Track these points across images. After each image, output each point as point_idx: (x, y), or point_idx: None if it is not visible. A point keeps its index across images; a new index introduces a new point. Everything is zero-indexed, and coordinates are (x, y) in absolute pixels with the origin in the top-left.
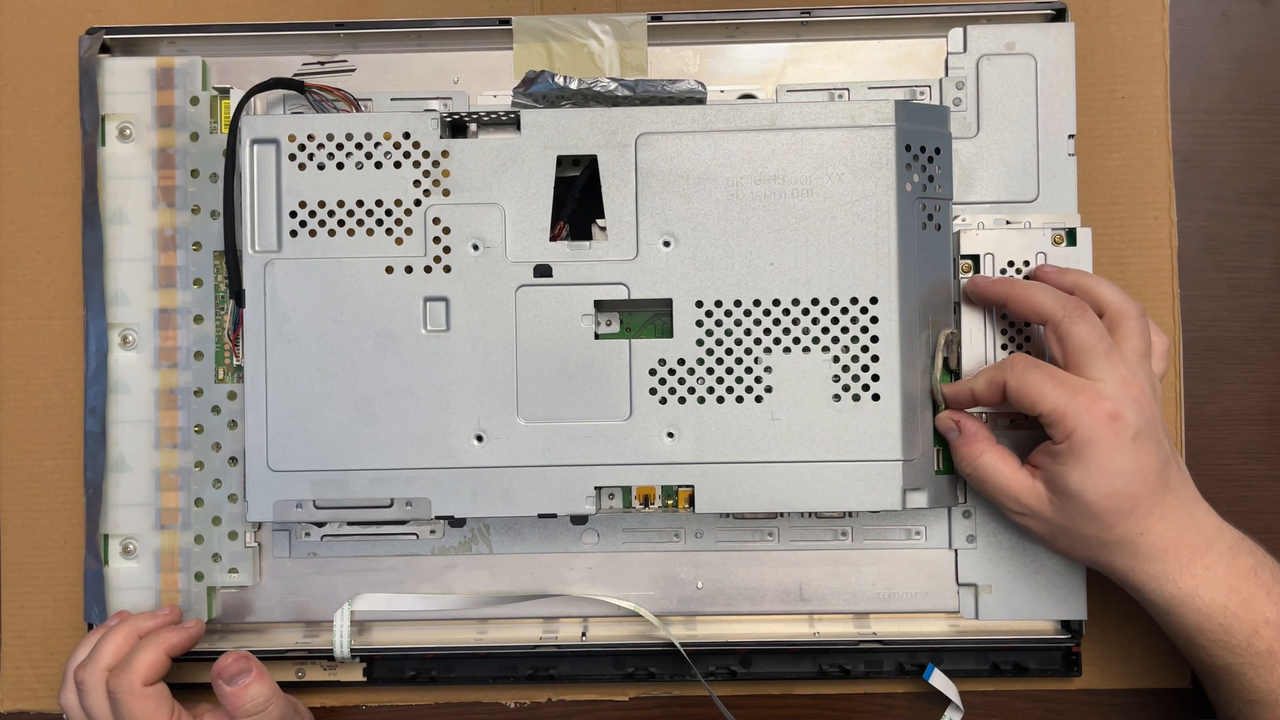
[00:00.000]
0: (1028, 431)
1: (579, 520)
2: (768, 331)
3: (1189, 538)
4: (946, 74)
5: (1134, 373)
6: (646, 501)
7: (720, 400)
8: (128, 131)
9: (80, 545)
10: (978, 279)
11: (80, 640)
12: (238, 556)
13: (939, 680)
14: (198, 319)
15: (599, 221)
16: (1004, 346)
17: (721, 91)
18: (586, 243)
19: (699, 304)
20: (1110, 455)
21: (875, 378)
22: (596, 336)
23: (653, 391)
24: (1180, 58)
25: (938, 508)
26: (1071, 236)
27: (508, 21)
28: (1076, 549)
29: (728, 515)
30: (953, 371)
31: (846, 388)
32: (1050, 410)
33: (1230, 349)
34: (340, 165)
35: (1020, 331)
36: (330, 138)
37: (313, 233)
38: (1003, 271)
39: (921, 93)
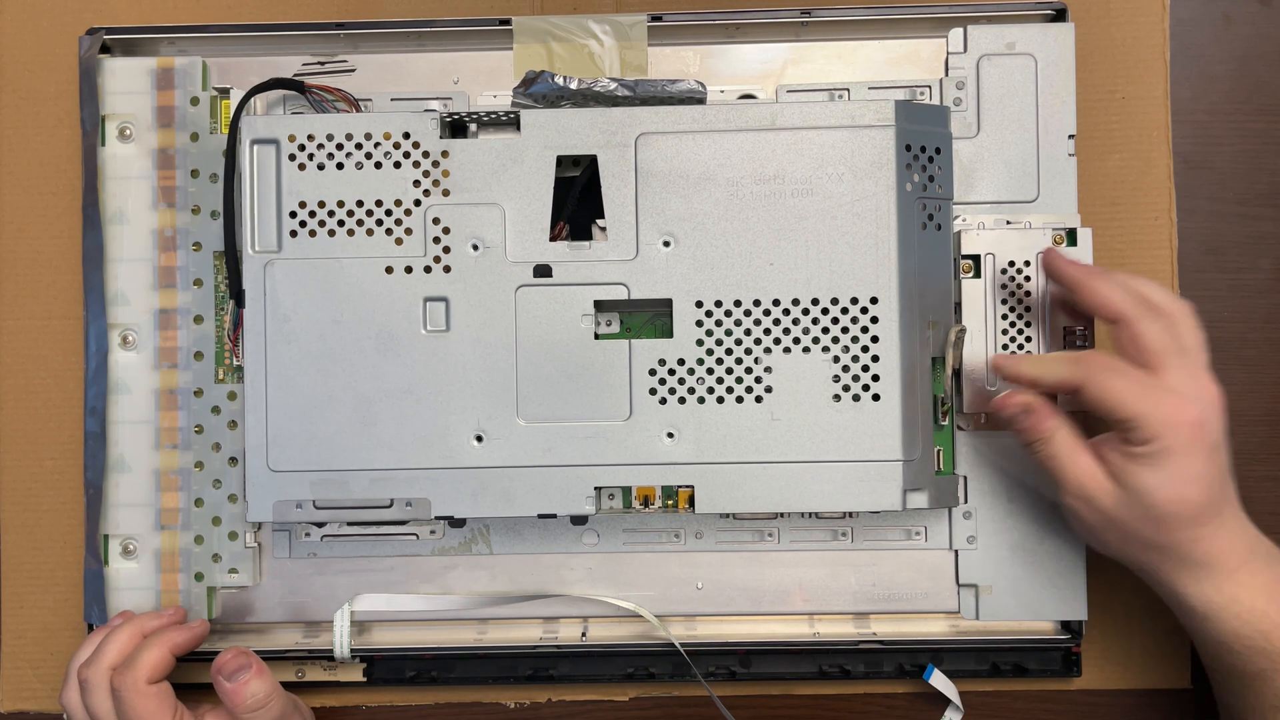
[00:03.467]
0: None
1: (579, 520)
2: (768, 331)
3: (1237, 545)
4: (947, 74)
5: (1206, 376)
6: (646, 502)
7: (720, 400)
8: (128, 132)
9: (80, 545)
10: (1056, 254)
11: (80, 640)
12: (238, 556)
13: (939, 680)
14: (198, 319)
15: (599, 221)
16: (1004, 346)
17: (721, 91)
18: (586, 243)
19: (699, 304)
20: (1190, 463)
21: (875, 378)
22: (596, 336)
23: (653, 392)
24: (1180, 58)
25: (938, 508)
26: (1072, 237)
27: (508, 21)
28: (1124, 546)
29: (728, 515)
30: (955, 371)
31: (846, 388)
32: (1133, 416)
33: (1231, 350)
34: (340, 165)
35: (1021, 332)
36: (330, 138)
37: (313, 233)
38: (1003, 271)
39: (921, 93)
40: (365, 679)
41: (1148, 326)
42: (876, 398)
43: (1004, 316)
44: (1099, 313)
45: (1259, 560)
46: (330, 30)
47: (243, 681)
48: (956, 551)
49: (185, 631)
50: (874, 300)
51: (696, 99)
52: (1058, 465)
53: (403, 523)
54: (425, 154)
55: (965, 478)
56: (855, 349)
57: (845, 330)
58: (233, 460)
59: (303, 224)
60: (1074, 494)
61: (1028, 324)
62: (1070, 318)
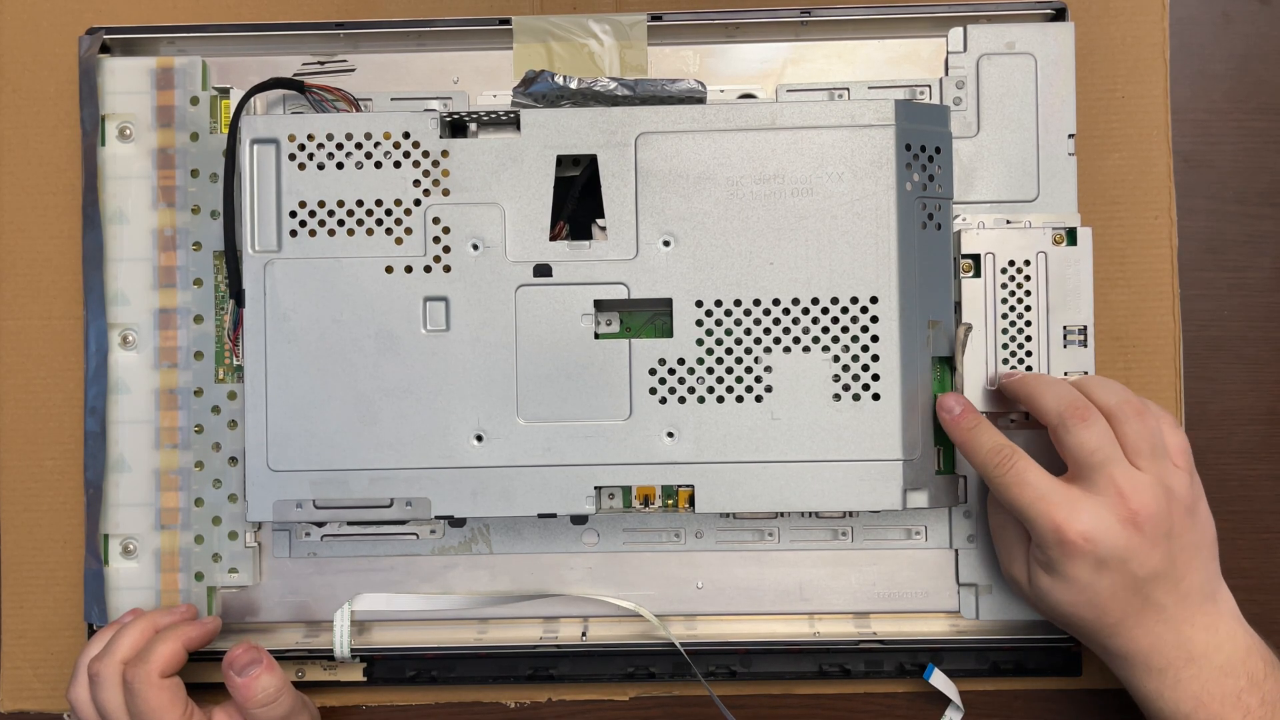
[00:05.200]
0: (1035, 431)
1: (579, 520)
2: (768, 331)
3: (1165, 649)
4: (946, 73)
5: (1133, 486)
6: (646, 501)
7: (720, 400)
8: (128, 131)
9: (80, 545)
10: (1005, 375)
11: (81, 640)
12: (238, 556)
13: (939, 680)
14: (198, 319)
15: (599, 221)
16: (1004, 346)
17: (721, 91)
18: (586, 242)
19: (699, 304)
20: (1075, 575)
21: (875, 377)
22: (596, 336)
23: (653, 391)
24: (1180, 57)
25: (938, 507)
26: (1072, 236)
27: (508, 21)
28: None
29: (728, 515)
30: (954, 370)
31: (846, 387)
32: (1028, 520)
33: (1230, 349)
34: (340, 165)
35: (1021, 331)
36: (330, 138)
37: (313, 233)
38: (1003, 271)
39: (921, 92)
40: (365, 679)
41: (1067, 434)
42: (876, 397)
43: (1004, 316)
44: (1038, 418)
45: (1198, 667)
46: (330, 30)
47: (254, 676)
48: (956, 551)
49: (198, 627)
50: (874, 300)
51: (696, 99)
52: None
53: (403, 522)
54: (425, 154)
55: (965, 477)
56: (855, 348)
57: (845, 330)
58: (233, 460)
59: (303, 224)
60: (1004, 564)
61: (1028, 323)
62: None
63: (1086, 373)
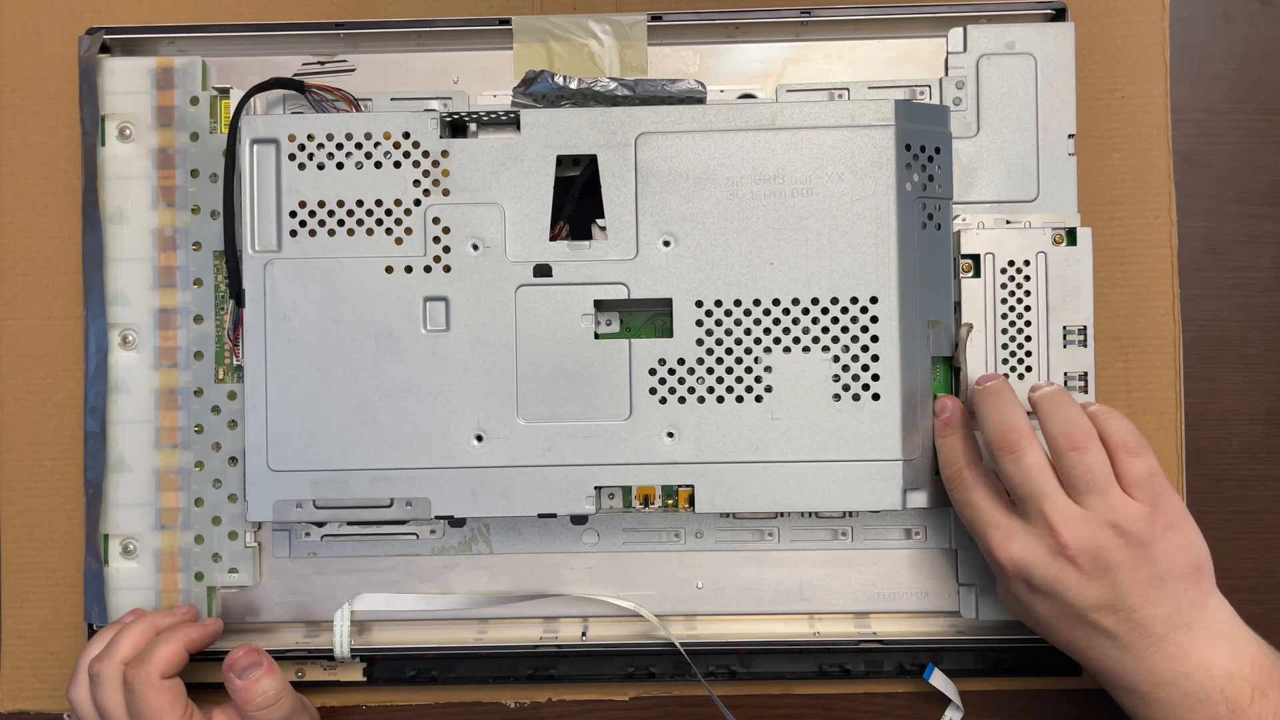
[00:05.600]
0: None
1: (579, 520)
2: (768, 331)
3: (1126, 674)
4: (946, 74)
5: (1064, 519)
6: (646, 501)
7: (720, 400)
8: (128, 131)
9: (80, 545)
10: (977, 382)
11: (80, 640)
12: (238, 556)
13: (939, 680)
14: (198, 319)
15: (599, 221)
16: (1004, 346)
17: (721, 91)
18: (586, 242)
19: (699, 304)
20: (1016, 594)
21: (875, 377)
22: (596, 336)
23: (653, 391)
24: (1180, 57)
25: (938, 507)
26: (1071, 236)
27: (508, 21)
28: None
29: (728, 515)
30: (956, 369)
31: (846, 387)
32: (974, 538)
33: (1230, 349)
34: (340, 165)
35: (1021, 331)
36: (330, 138)
37: (313, 233)
38: (1002, 271)
39: (921, 92)
40: (365, 679)
41: (1000, 465)
42: (876, 397)
43: (1004, 316)
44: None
45: (1166, 691)
46: (330, 30)
47: (253, 679)
48: (956, 551)
49: (199, 628)
50: (874, 300)
51: (696, 99)
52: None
53: (403, 522)
54: (425, 154)
55: None
56: (855, 349)
57: (845, 330)
58: (233, 460)
59: (303, 224)
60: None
61: (1027, 323)
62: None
63: (1086, 374)
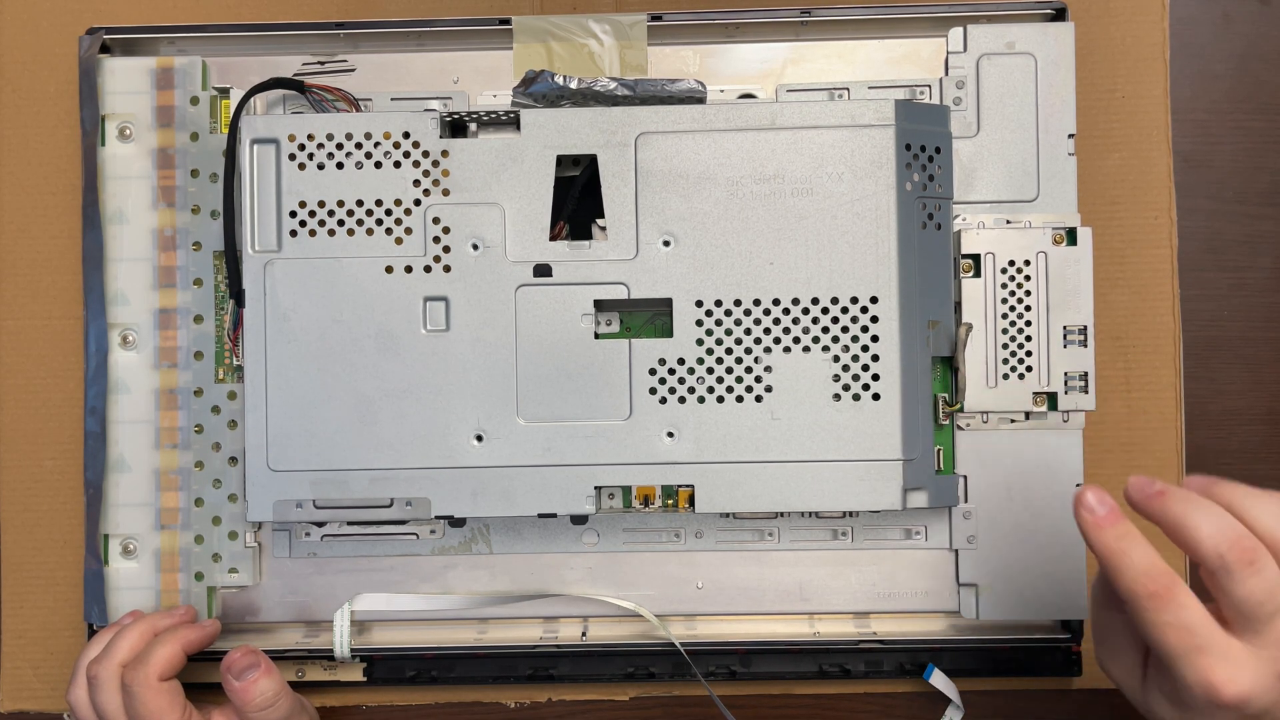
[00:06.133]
0: None
1: (579, 520)
2: (768, 331)
3: None
4: (946, 73)
5: None
6: (646, 501)
7: (720, 400)
8: (128, 131)
9: (80, 545)
10: (1143, 488)
11: (80, 640)
12: (238, 556)
13: (939, 680)
14: (198, 319)
15: (599, 221)
16: (1004, 346)
17: (721, 91)
18: (586, 242)
19: (699, 303)
20: (1205, 714)
21: (875, 377)
22: (596, 336)
23: (653, 391)
24: (1180, 58)
25: (938, 507)
26: (1072, 236)
27: (508, 21)
28: None
29: (728, 515)
30: (955, 369)
31: (846, 387)
32: (1177, 666)
33: (1230, 349)
34: (340, 165)
35: (1021, 331)
36: (330, 138)
37: (313, 233)
38: (1003, 271)
39: (921, 92)
40: (365, 679)
41: (1231, 581)
42: (876, 397)
43: (1004, 316)
44: (1186, 550)
45: None
46: (330, 30)
47: (251, 680)
48: (956, 551)
49: (197, 630)
50: (874, 300)
51: (696, 99)
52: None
53: (403, 522)
54: (425, 154)
55: (965, 477)
56: (855, 348)
57: (845, 330)
58: (233, 460)
59: (303, 224)
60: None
61: (1028, 323)
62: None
63: (1086, 374)
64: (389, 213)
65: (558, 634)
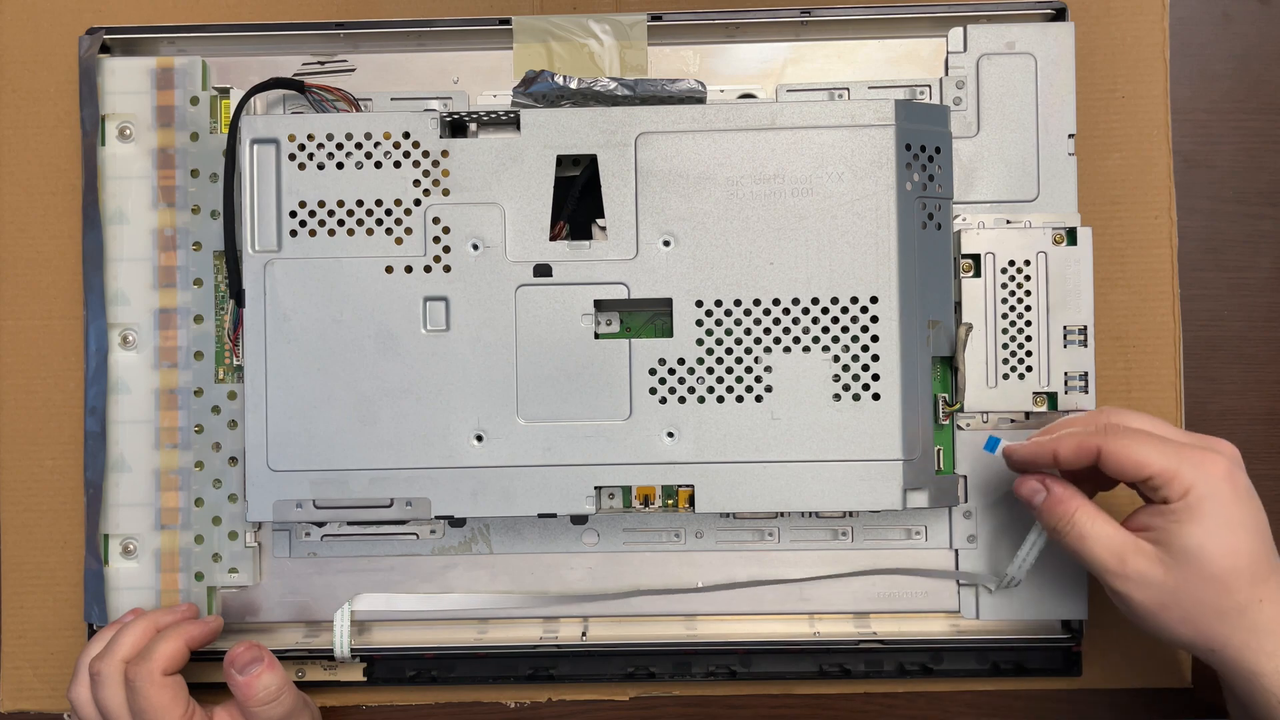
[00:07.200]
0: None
1: (579, 520)
2: (768, 331)
3: None
4: (946, 73)
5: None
6: (646, 501)
7: (720, 400)
8: (128, 131)
9: (80, 545)
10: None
11: (81, 640)
12: (238, 556)
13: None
14: (198, 319)
15: (599, 221)
16: (1004, 345)
17: (721, 91)
18: (586, 242)
19: (699, 303)
20: (1231, 510)
21: (875, 377)
22: (596, 336)
23: (653, 391)
24: (1180, 58)
25: (938, 507)
26: (1072, 236)
27: (508, 21)
28: (1189, 620)
29: (728, 515)
30: (955, 369)
31: (847, 387)
32: (1160, 471)
33: (1230, 348)
34: (340, 165)
35: (1021, 331)
36: (330, 138)
37: (313, 232)
38: (1003, 271)
39: (921, 92)
40: (365, 679)
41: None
42: (876, 397)
43: (1004, 316)
44: (1132, 475)
45: None
46: (330, 30)
47: (255, 674)
48: (956, 551)
49: (200, 626)
50: (874, 300)
51: (696, 98)
52: (1088, 546)
53: (403, 522)
54: (425, 154)
55: (965, 477)
56: (855, 348)
57: (845, 330)
58: (233, 460)
59: (303, 223)
60: (1118, 571)
61: (1028, 323)
62: (1093, 485)
63: (1086, 374)
64: (389, 213)
65: (558, 634)
